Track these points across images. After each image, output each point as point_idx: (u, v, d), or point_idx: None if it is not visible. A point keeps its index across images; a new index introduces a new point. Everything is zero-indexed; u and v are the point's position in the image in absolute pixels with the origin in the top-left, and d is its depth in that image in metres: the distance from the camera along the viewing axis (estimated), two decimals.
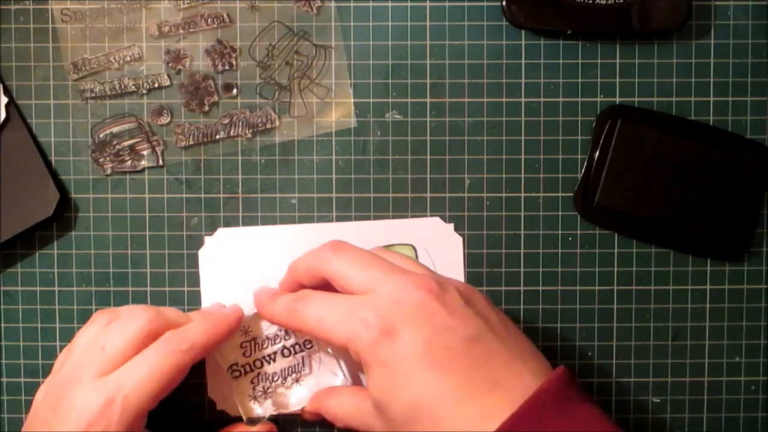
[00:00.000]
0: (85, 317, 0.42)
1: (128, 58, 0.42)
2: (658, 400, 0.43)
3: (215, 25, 0.42)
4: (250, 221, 0.42)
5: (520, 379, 0.31)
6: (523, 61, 0.42)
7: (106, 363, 0.34)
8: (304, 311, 0.35)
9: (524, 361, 0.32)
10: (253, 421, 0.40)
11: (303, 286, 0.37)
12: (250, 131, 0.42)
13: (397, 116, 0.43)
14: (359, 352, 0.32)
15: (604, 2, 0.41)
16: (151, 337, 0.35)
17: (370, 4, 0.42)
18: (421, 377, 0.30)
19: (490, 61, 0.42)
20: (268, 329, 0.41)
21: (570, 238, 0.43)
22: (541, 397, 0.30)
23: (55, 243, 0.42)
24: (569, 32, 0.42)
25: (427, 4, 0.42)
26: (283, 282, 0.39)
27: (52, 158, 0.42)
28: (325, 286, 0.36)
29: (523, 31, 0.42)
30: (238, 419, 0.41)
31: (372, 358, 0.32)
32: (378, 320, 0.32)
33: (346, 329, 0.33)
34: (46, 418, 0.33)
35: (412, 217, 0.42)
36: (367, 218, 0.42)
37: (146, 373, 0.33)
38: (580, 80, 0.42)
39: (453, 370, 0.31)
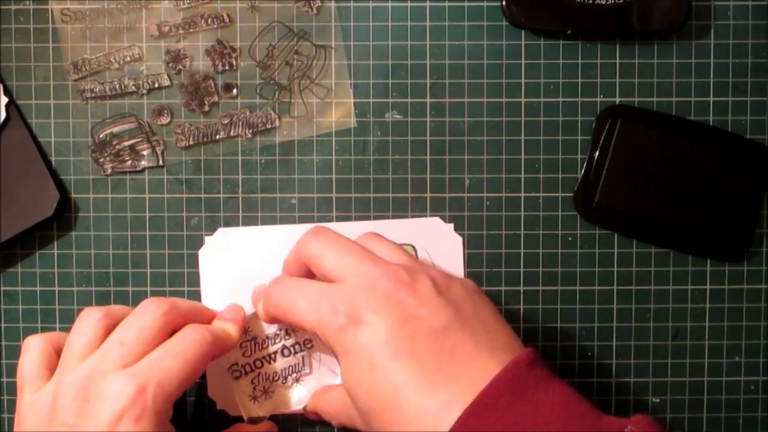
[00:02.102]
0: None
1: (128, 58, 0.42)
2: (658, 400, 0.43)
3: (215, 25, 0.42)
4: (250, 221, 0.43)
5: (483, 370, 0.30)
6: (523, 61, 0.42)
7: (127, 356, 0.34)
8: (277, 295, 0.36)
9: (492, 352, 0.31)
10: (253, 420, 0.40)
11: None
12: (250, 131, 0.42)
13: (397, 116, 0.43)
14: (327, 339, 0.33)
15: (604, 2, 0.41)
16: (167, 329, 0.35)
17: (370, 4, 0.42)
18: (383, 365, 0.31)
19: (490, 61, 0.42)
20: (268, 329, 0.41)
21: (570, 238, 0.43)
22: (495, 386, 0.29)
23: (55, 243, 0.42)
24: (569, 32, 0.42)
25: (427, 4, 0.42)
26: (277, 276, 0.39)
27: (52, 158, 0.42)
28: (316, 277, 0.37)
29: (523, 31, 0.42)
30: (239, 419, 0.41)
31: (339, 346, 0.32)
32: (345, 307, 0.32)
33: (315, 315, 0.33)
34: (68, 419, 0.32)
35: (412, 217, 0.42)
36: (367, 218, 0.42)
37: (175, 361, 0.33)
38: (580, 80, 0.42)
39: (416, 359, 0.31)
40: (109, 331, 0.35)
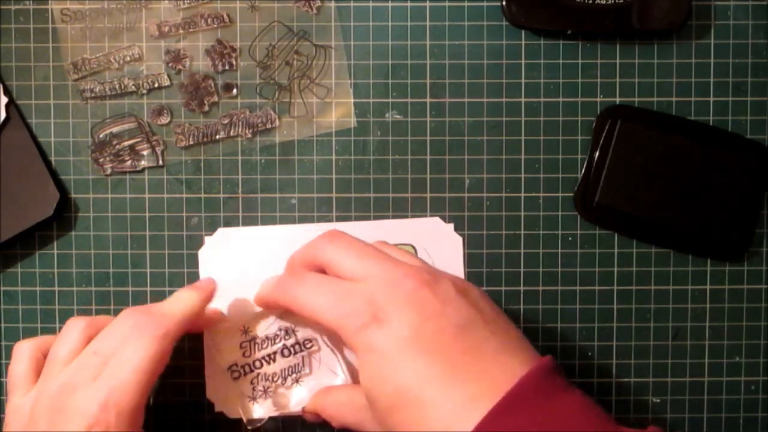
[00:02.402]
0: None
1: (128, 58, 0.42)
2: (658, 400, 0.43)
3: (215, 25, 0.42)
4: (250, 221, 0.42)
5: (507, 368, 0.31)
6: (523, 61, 0.42)
7: (100, 367, 0.34)
8: (296, 290, 0.35)
9: (513, 352, 0.32)
10: (253, 422, 0.40)
11: None
12: (250, 131, 0.42)
13: (397, 116, 0.43)
14: (349, 338, 0.32)
15: (604, 2, 0.41)
16: None
17: (370, 4, 0.42)
18: (408, 362, 0.31)
19: (490, 61, 0.42)
20: (268, 329, 0.41)
21: (570, 238, 0.43)
22: (525, 385, 0.30)
23: (55, 243, 0.42)
24: (569, 32, 0.42)
25: (427, 4, 0.42)
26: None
27: (52, 158, 0.42)
28: None
29: (523, 31, 0.42)
30: (238, 421, 0.41)
31: (361, 344, 0.32)
32: (368, 306, 0.32)
33: (336, 313, 0.33)
34: (42, 427, 0.34)
35: (412, 217, 0.42)
36: (367, 218, 0.42)
37: (130, 373, 0.34)
38: (580, 80, 0.42)
39: (441, 356, 0.31)
40: (91, 340, 0.36)
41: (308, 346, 0.41)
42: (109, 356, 0.34)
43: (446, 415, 0.30)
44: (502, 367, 0.31)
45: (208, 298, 0.39)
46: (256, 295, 0.39)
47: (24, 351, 0.37)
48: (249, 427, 0.40)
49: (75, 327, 0.36)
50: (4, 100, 0.42)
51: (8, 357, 0.42)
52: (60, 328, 0.42)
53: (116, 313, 0.42)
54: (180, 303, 0.37)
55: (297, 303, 0.35)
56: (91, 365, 0.34)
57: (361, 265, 0.34)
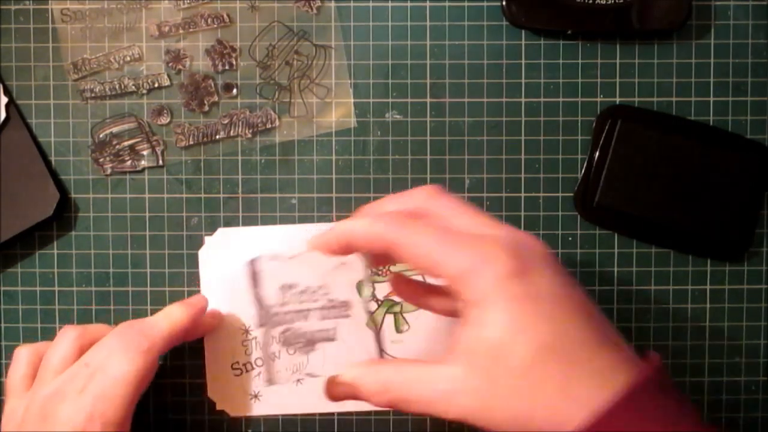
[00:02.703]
0: (85, 317, 0.42)
1: (128, 58, 0.42)
2: None
3: (215, 25, 0.42)
4: (250, 221, 0.42)
5: (628, 349, 0.29)
6: (523, 61, 0.42)
7: (89, 379, 0.35)
8: (415, 232, 0.30)
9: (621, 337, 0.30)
10: (252, 422, 0.40)
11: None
12: (250, 131, 0.42)
13: (397, 116, 0.43)
14: (485, 286, 0.28)
15: (604, 2, 0.41)
16: None
17: (370, 4, 0.42)
18: (560, 317, 0.28)
19: (490, 61, 0.42)
20: (271, 328, 0.41)
21: (570, 238, 0.43)
22: (658, 367, 0.28)
23: (55, 243, 0.42)
24: (569, 32, 0.42)
25: (427, 4, 0.42)
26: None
27: (52, 158, 0.42)
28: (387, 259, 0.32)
29: (523, 31, 0.42)
30: (239, 419, 0.41)
31: (500, 293, 0.28)
32: (508, 256, 0.29)
33: (466, 259, 0.29)
34: None
35: None
36: None
37: (114, 387, 0.35)
38: (580, 80, 0.42)
39: (589, 320, 0.29)
40: (83, 350, 0.37)
41: (309, 346, 0.41)
42: (97, 369, 0.35)
43: (592, 377, 0.27)
44: (626, 346, 0.29)
45: (198, 314, 0.39)
46: (319, 237, 0.33)
47: (22, 356, 0.38)
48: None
49: (66, 336, 0.37)
50: (4, 100, 0.42)
51: (8, 357, 0.42)
52: (60, 329, 0.42)
53: (116, 313, 0.42)
54: (167, 319, 0.38)
55: (415, 247, 0.30)
56: (81, 376, 0.35)
57: (478, 222, 0.31)
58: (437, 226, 0.30)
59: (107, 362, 0.35)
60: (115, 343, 0.36)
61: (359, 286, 0.42)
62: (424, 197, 0.32)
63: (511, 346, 0.28)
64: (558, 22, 0.42)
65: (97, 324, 0.40)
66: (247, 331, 0.41)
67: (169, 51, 0.42)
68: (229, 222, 0.43)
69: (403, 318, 0.42)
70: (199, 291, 0.42)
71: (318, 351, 0.41)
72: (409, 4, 0.42)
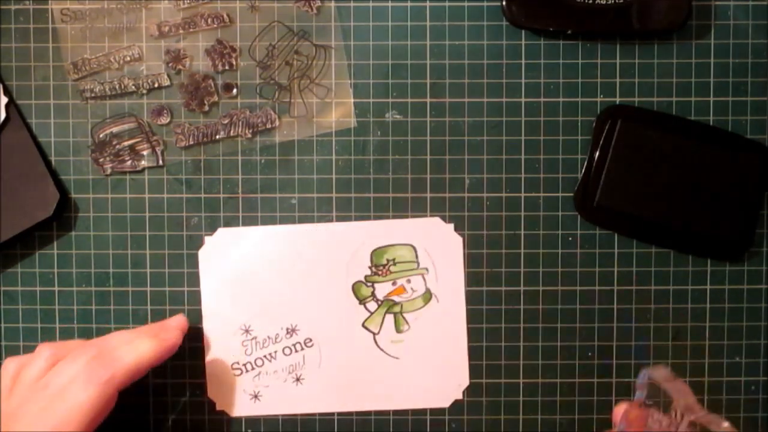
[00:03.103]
0: (85, 317, 0.42)
1: (128, 58, 0.42)
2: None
3: (215, 25, 0.42)
4: (250, 221, 0.42)
5: None
6: (523, 61, 0.42)
7: (50, 400, 0.35)
8: None
9: None
10: (252, 422, 0.40)
11: None
12: (250, 131, 0.42)
13: (397, 116, 0.43)
14: None
15: (604, 2, 0.41)
16: None
17: (370, 4, 0.42)
18: None
19: (490, 61, 0.42)
20: (269, 328, 0.41)
21: (570, 238, 0.43)
22: None
23: (55, 243, 0.42)
24: (569, 32, 0.42)
25: (427, 4, 0.42)
26: None
27: (52, 158, 0.42)
28: None
29: (523, 31, 0.42)
30: (239, 419, 0.41)
31: None
32: None
33: None
34: None
35: (412, 217, 0.42)
36: (367, 218, 0.42)
37: (71, 413, 0.35)
38: (580, 80, 0.42)
39: None
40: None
41: (309, 345, 0.41)
42: (56, 395, 0.35)
43: None
44: None
45: (166, 354, 0.38)
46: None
47: (10, 368, 0.38)
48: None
49: (42, 354, 0.37)
50: (4, 100, 0.42)
51: (8, 357, 0.42)
52: (59, 328, 0.42)
53: (116, 313, 0.42)
54: (134, 353, 0.37)
55: None
56: (42, 397, 0.35)
57: None
58: None
59: (66, 389, 0.35)
60: (76, 369, 0.36)
61: (357, 287, 0.42)
62: None
63: None
64: (558, 22, 0.42)
65: (75, 340, 0.39)
66: (247, 331, 0.41)
67: (169, 51, 0.42)
68: (229, 222, 0.43)
69: (403, 318, 0.42)
70: (198, 291, 0.42)
71: (314, 350, 0.41)
72: (409, 4, 0.42)
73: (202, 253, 0.42)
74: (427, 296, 0.42)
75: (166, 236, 0.42)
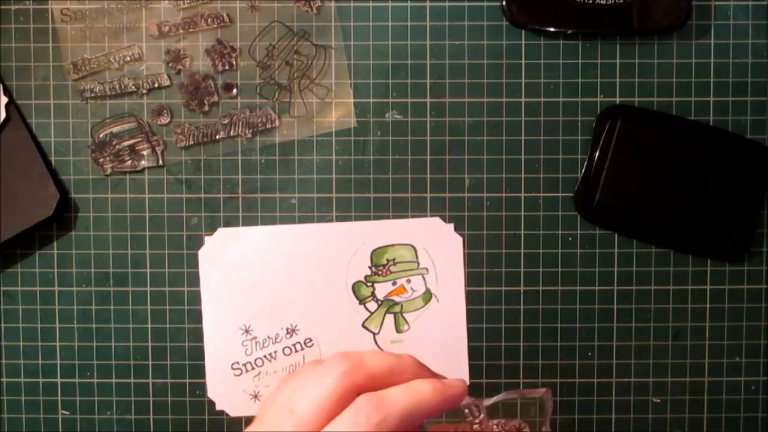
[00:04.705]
0: (85, 317, 0.42)
1: (128, 58, 0.42)
2: (658, 400, 0.43)
3: (215, 25, 0.42)
4: (250, 221, 0.42)
5: None
6: (523, 61, 0.42)
7: (294, 428, 0.30)
8: None
9: None
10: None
11: None
12: (250, 131, 0.42)
13: (397, 116, 0.43)
14: None
15: (604, 2, 0.41)
16: (346, 396, 0.31)
17: (370, 4, 0.42)
18: None
19: (490, 61, 0.42)
20: (269, 328, 0.41)
21: (570, 238, 0.43)
22: None
23: (55, 243, 0.42)
24: (569, 32, 0.42)
25: (427, 4, 0.42)
26: None
27: (52, 158, 0.42)
28: None
29: (523, 31, 0.42)
30: (239, 419, 0.41)
31: None
32: None
33: None
34: None
35: (412, 217, 0.42)
36: (367, 218, 0.42)
37: None
38: (580, 80, 0.42)
39: None
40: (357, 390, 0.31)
41: (309, 345, 0.41)
42: (306, 419, 0.30)
43: None
44: None
45: (450, 402, 0.33)
46: None
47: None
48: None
49: (304, 372, 0.33)
50: (4, 100, 0.42)
51: (8, 357, 0.42)
52: (59, 328, 0.42)
53: (116, 313, 0.42)
54: (410, 393, 0.31)
55: None
56: (286, 425, 0.31)
57: None
58: None
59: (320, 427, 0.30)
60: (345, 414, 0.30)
61: (357, 287, 0.42)
62: None
63: None
64: (558, 22, 0.42)
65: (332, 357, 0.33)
66: (247, 331, 0.41)
67: (169, 51, 0.42)
68: (229, 222, 0.43)
69: (403, 318, 0.42)
70: (199, 291, 0.42)
71: (314, 350, 0.41)
72: (409, 4, 0.42)
73: (202, 253, 0.42)
74: (427, 296, 0.42)
75: (166, 236, 0.42)
